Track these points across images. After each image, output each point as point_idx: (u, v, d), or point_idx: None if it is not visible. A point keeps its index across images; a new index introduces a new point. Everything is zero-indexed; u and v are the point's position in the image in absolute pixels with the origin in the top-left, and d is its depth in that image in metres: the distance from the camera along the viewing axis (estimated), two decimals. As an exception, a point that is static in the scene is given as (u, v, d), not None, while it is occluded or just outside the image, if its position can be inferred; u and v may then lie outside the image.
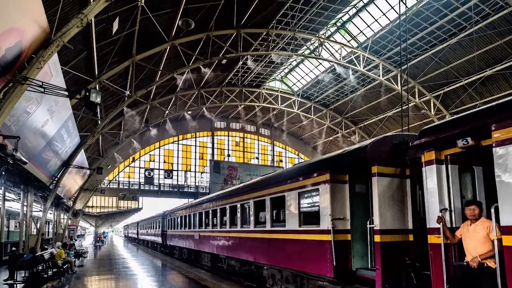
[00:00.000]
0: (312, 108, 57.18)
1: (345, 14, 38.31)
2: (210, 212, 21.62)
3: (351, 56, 40.85)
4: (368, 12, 37.24)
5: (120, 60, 28.08)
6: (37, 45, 13.17)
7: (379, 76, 41.72)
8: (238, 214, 17.30)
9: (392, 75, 42.12)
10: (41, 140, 19.37)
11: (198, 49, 33.26)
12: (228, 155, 71.78)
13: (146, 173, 67.28)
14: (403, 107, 30.90)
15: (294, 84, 55.71)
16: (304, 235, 11.74)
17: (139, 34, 26.25)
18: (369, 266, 10.27)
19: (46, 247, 29.85)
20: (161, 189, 68.23)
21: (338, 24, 40.05)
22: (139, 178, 67.74)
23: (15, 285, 17.29)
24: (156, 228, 43.02)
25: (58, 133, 21.10)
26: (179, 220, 30.50)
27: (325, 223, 10.59)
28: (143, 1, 22.15)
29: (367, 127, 56.73)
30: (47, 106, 17.11)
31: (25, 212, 24.46)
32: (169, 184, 68.98)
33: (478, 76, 36.49)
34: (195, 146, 71.60)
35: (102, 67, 26.57)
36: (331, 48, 40.96)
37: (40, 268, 19.29)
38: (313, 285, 11.70)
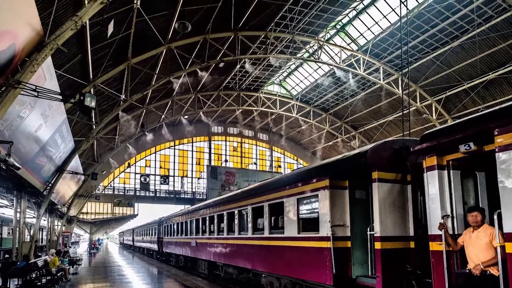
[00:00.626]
0: (311, 112, 56.91)
1: (345, 17, 38.01)
2: (207, 218, 21.47)
3: (351, 60, 40.59)
4: (369, 14, 36.89)
5: (115, 63, 27.83)
6: (30, 48, 12.98)
7: (380, 80, 41.44)
8: (236, 221, 17.15)
9: (393, 78, 41.86)
10: (35, 145, 19.16)
11: (195, 52, 33.07)
12: (226, 161, 71.58)
13: (142, 179, 66.99)
14: (404, 112, 30.74)
15: (293, 88, 55.42)
16: (303, 242, 11.62)
17: (134, 37, 25.99)
18: (370, 273, 10.13)
19: (39, 254, 29.63)
20: (157, 195, 67.95)
21: (338, 26, 39.77)
22: (135, 184, 67.47)
23: (8, 293, 17.10)
24: (152, 235, 42.82)
25: (52, 138, 20.89)
26: (175, 226, 30.34)
27: (325, 229, 10.48)
28: (138, 3, 21.96)
29: (367, 132, 56.52)
30: (40, 110, 16.92)
31: (18, 218, 24.15)
32: (165, 190, 68.73)
33: (481, 80, 36.16)
34: (192, 151, 71.37)
35: (97, 70, 26.31)
36: (331, 51, 40.70)
37: (34, 275, 19.16)
38: (312, 293, 11.53)
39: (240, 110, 57.04)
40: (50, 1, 16.23)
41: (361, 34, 39.43)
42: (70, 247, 50.86)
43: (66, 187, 35.15)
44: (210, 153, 71.71)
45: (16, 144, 15.75)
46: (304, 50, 41.36)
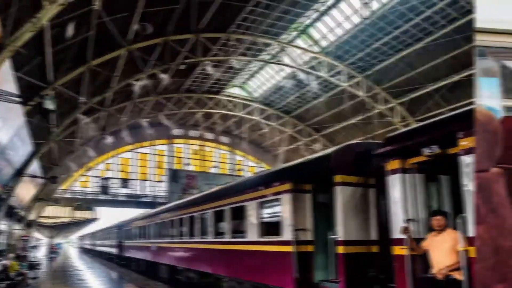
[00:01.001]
0: (273, 115, 56.63)
1: (307, 19, 37.49)
2: (168, 222, 21.24)
3: (313, 62, 40.40)
4: (331, 16, 36.45)
5: (75, 65, 27.28)
6: (-14, 50, 12.58)
7: (343, 82, 41.41)
8: (197, 225, 16.98)
9: (356, 81, 41.69)
10: (-8, 148, 18.64)
11: (156, 54, 32.62)
12: (187, 164, 70.84)
13: (102, 182, 65.77)
14: (367, 114, 30.81)
15: (255, 90, 54.93)
16: (264, 246, 11.55)
17: (95, 39, 25.56)
18: (332, 278, 10.04)
19: (-2, 259, 28.86)
20: (118, 198, 66.77)
21: (300, 28, 39.35)
22: (95, 188, 66.19)
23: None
24: (112, 239, 42.20)
25: (11, 141, 20.35)
26: (136, 230, 29.97)
27: (287, 234, 10.37)
28: (98, 4, 21.54)
29: (330, 135, 56.15)
30: (-3, 113, 16.44)
31: (-26, 223, 23.54)
32: (126, 193, 67.57)
33: (445, 82, 36.07)
34: (153, 154, 70.43)
35: (57, 72, 25.75)
36: (293, 53, 40.68)
37: (-8, 280, 18.65)
38: (274, 297, 11.44)
39: (201, 113, 56.56)
40: (8, 2, 15.76)
41: (323, 37, 39.24)
42: (30, 251, 49.66)
43: (26, 191, 34.31)
44: (171, 156, 70.92)
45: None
46: (265, 52, 41.23)
